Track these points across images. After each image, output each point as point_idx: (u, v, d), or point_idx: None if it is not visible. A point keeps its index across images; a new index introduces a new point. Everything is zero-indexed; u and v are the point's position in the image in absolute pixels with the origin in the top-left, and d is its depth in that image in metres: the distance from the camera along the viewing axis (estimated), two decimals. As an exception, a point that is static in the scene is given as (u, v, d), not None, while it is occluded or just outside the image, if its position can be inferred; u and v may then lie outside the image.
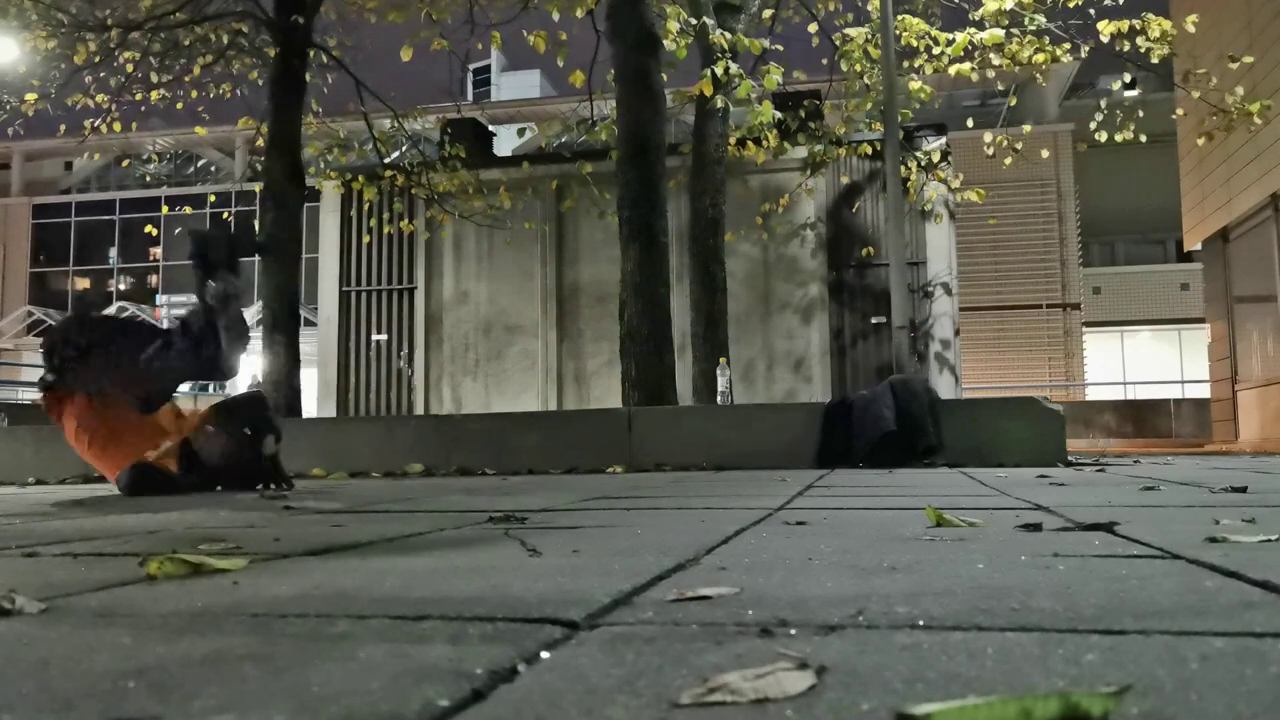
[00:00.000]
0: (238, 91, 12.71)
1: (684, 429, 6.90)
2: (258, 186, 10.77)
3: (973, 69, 10.78)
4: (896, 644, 0.98)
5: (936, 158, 12.14)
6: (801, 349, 12.73)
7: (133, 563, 1.76)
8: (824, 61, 12.38)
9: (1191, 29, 10.86)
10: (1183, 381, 25.07)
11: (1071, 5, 10.39)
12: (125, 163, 36.61)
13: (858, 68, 11.53)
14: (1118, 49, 10.43)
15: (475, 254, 13.64)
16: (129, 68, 11.73)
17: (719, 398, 8.82)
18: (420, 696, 0.80)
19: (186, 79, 12.14)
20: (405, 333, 13.82)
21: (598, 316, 12.90)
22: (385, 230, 13.28)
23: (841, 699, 0.78)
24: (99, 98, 11.95)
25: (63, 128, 12.55)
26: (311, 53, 10.70)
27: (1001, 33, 10.41)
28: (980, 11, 10.42)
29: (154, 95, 12.16)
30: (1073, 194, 26.18)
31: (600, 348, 12.80)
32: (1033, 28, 10.59)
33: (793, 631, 1.05)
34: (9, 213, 36.38)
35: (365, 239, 13.64)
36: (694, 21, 8.86)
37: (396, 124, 12.12)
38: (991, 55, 10.61)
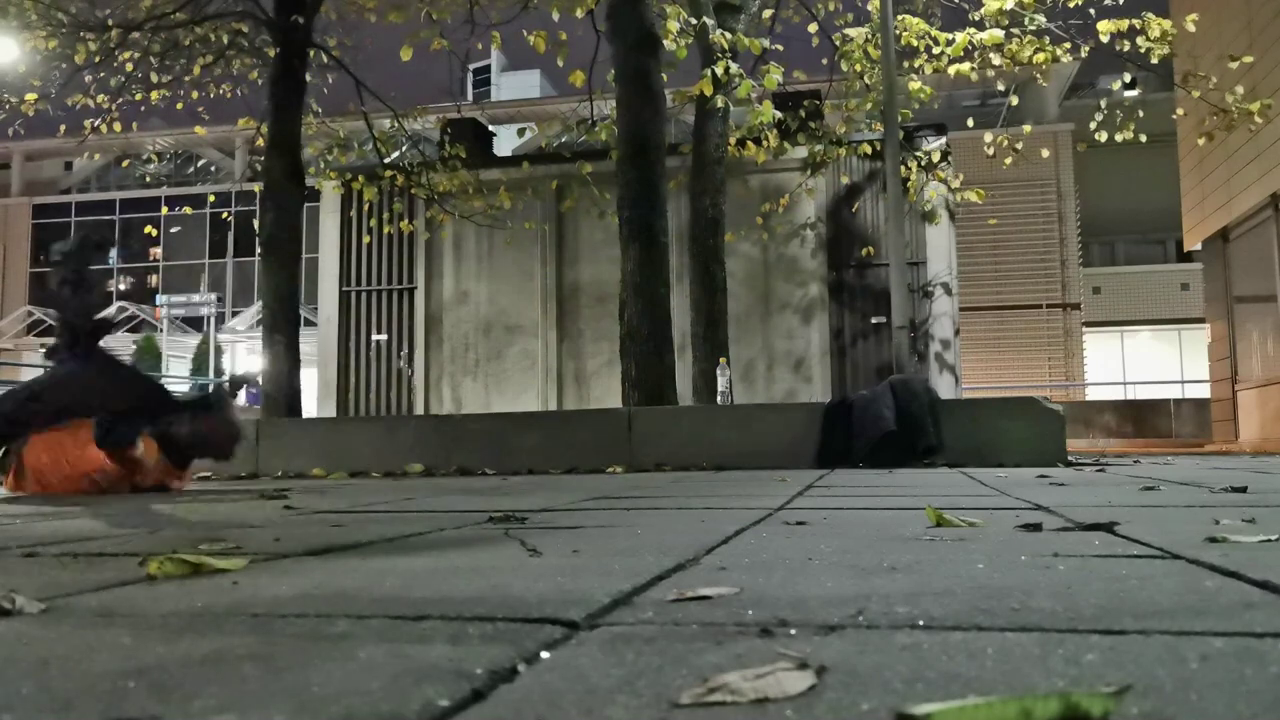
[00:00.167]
0: (238, 91, 12.71)
1: (684, 429, 6.89)
2: (258, 186, 10.76)
3: (973, 69, 10.78)
4: (896, 644, 0.98)
5: (936, 158, 12.13)
6: (801, 349, 12.73)
7: (133, 563, 1.76)
8: (824, 61, 12.39)
9: (1191, 29, 10.86)
10: (1183, 381, 25.08)
11: (1071, 5, 10.39)
12: (125, 163, 36.62)
13: (858, 68, 11.52)
14: (1118, 49, 10.43)
15: (475, 254, 13.64)
16: (129, 67, 11.73)
17: (719, 398, 8.82)
18: (420, 696, 0.80)
19: (186, 79, 12.13)
20: (405, 333, 13.82)
21: (598, 316, 12.90)
22: (385, 230, 13.27)
23: (841, 699, 0.78)
24: (99, 98, 11.95)
25: (63, 128, 12.55)
26: (311, 53, 10.69)
27: (1001, 33, 10.42)
28: (980, 11, 10.42)
29: (154, 95, 12.16)
30: (1073, 194, 26.19)
31: (600, 348, 12.80)
32: (1033, 28, 10.59)
33: (793, 631, 1.05)
34: (9, 213, 36.39)
35: (365, 239, 13.64)
36: (694, 21, 8.86)
37: (396, 124, 12.12)
38: (991, 55, 10.61)
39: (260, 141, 10.88)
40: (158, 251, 36.61)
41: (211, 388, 4.71)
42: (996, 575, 1.44)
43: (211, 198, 31.65)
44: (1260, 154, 13.26)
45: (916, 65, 11.30)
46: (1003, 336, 25.49)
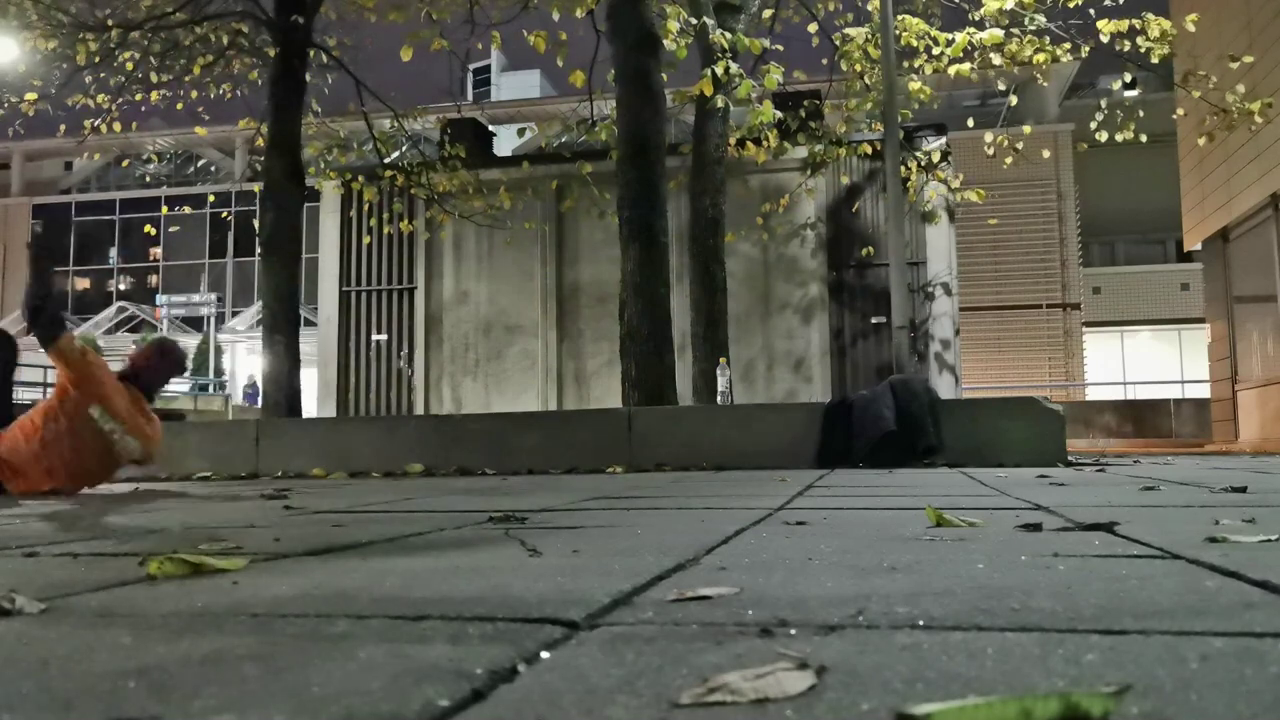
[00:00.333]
0: (238, 91, 12.71)
1: (684, 429, 6.89)
2: (258, 186, 10.76)
3: (972, 69, 10.78)
4: (896, 644, 0.98)
5: (936, 158, 12.14)
6: (801, 349, 12.73)
7: (133, 563, 1.76)
8: (824, 61, 12.40)
9: (1191, 29, 10.86)
10: (1183, 381, 25.08)
11: (1071, 5, 10.39)
12: (125, 163, 36.64)
13: (858, 68, 11.52)
14: (1118, 49, 10.43)
15: (475, 254, 13.65)
16: (129, 67, 11.73)
17: (719, 398, 8.82)
18: (420, 696, 0.80)
19: (186, 79, 12.13)
20: (405, 333, 13.82)
21: (598, 316, 12.90)
22: (385, 230, 13.28)
23: (841, 699, 0.78)
24: (99, 98, 11.95)
25: (63, 128, 12.55)
26: (311, 53, 10.70)
27: (1001, 33, 10.41)
28: (980, 11, 10.42)
29: (154, 95, 12.16)
30: (1073, 194, 26.19)
31: (600, 348, 12.80)
32: (1033, 28, 10.59)
33: (793, 631, 1.05)
34: (9, 213, 36.39)
35: (365, 239, 13.64)
36: (694, 21, 8.86)
37: (396, 124, 12.12)
38: (991, 55, 10.61)
39: (260, 141, 10.88)
40: (158, 251, 36.63)
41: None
42: (996, 575, 1.44)
43: (211, 198, 31.68)
44: (1260, 154, 13.26)
45: (916, 65, 11.30)
46: (1003, 336, 25.49)
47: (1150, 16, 10.43)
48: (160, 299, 32.27)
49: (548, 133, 12.98)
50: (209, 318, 30.71)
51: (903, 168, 10.99)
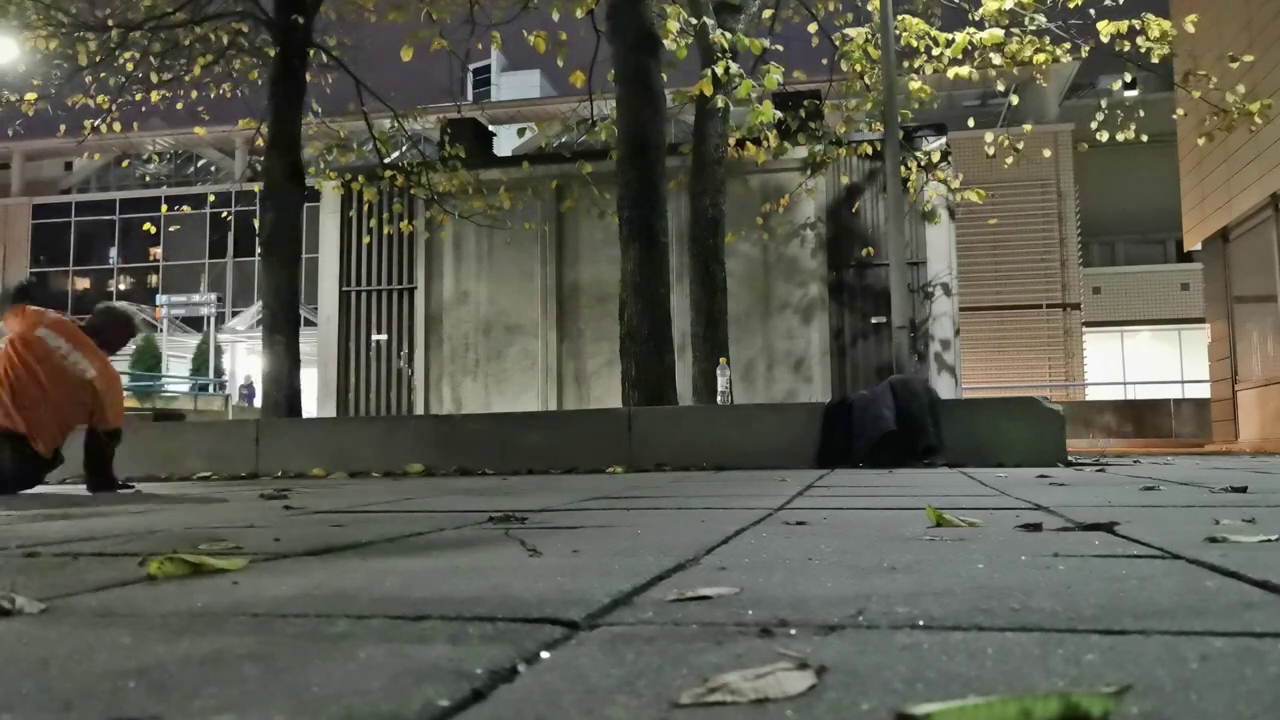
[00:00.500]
0: (238, 91, 12.71)
1: (684, 429, 6.90)
2: (258, 186, 10.77)
3: (972, 70, 10.78)
4: (896, 644, 0.98)
5: (936, 158, 12.13)
6: (801, 349, 12.73)
7: (133, 563, 1.76)
8: (824, 61, 12.39)
9: (1191, 29, 10.86)
10: (1183, 381, 25.08)
11: (1072, 5, 10.39)
12: (125, 163, 36.64)
13: (858, 68, 11.52)
14: (1117, 49, 10.43)
15: (475, 254, 13.64)
16: (129, 67, 11.73)
17: (719, 398, 8.82)
18: (420, 696, 0.80)
19: (186, 79, 12.13)
20: (405, 333, 13.82)
21: (598, 316, 12.90)
22: (385, 230, 13.27)
23: (841, 699, 0.78)
24: (99, 98, 11.95)
25: (63, 128, 12.54)
26: (311, 53, 10.70)
27: (1001, 33, 10.41)
28: (980, 11, 10.42)
29: (154, 95, 12.15)
30: (1073, 194, 26.19)
31: (600, 348, 12.80)
32: (1033, 28, 10.59)
33: (793, 631, 1.05)
34: (9, 213, 36.40)
35: (365, 239, 13.64)
36: (694, 21, 8.86)
37: (396, 124, 12.12)
38: (991, 55, 10.60)
39: (260, 141, 10.88)
40: (158, 251, 36.64)
41: None
42: (996, 575, 1.44)
43: (211, 198, 31.68)
44: (1260, 154, 13.26)
45: (916, 65, 11.30)
46: (1003, 336, 25.49)
47: (1150, 17, 10.43)
48: (160, 299, 32.26)
49: (548, 133, 12.98)
50: (209, 318, 30.71)
51: (903, 168, 10.99)
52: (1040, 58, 10.74)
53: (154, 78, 11.99)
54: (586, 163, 11.76)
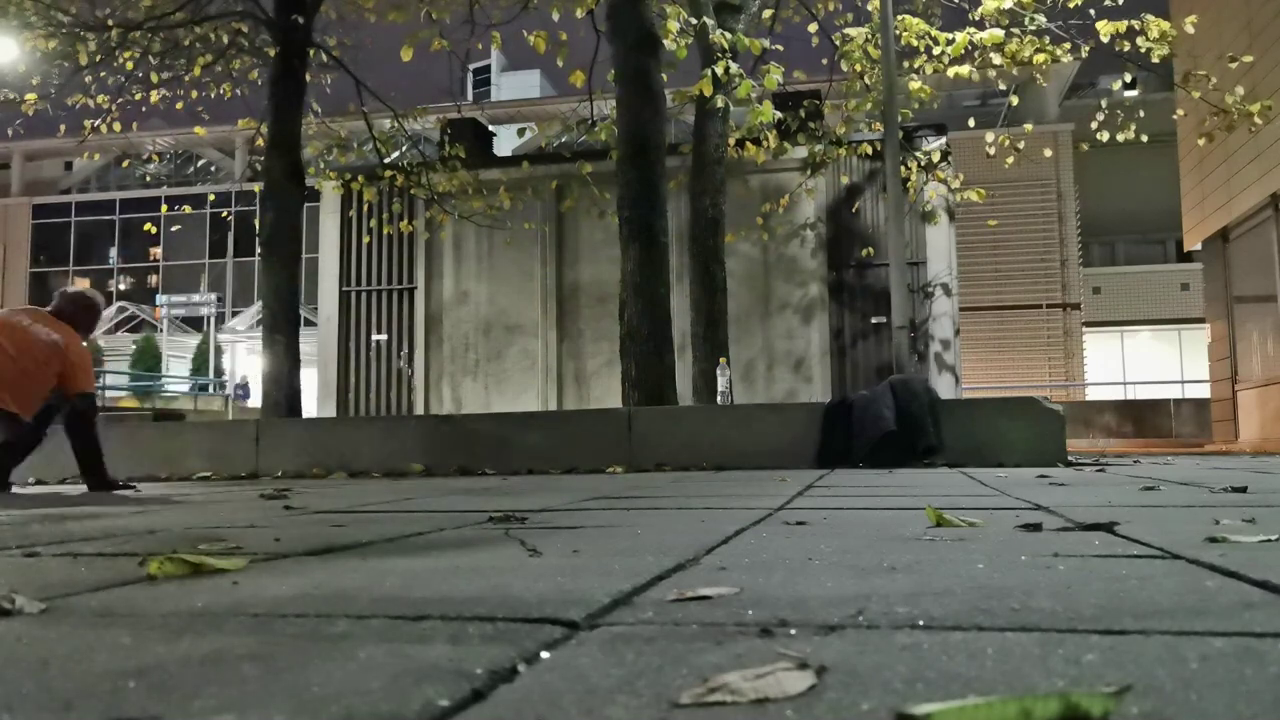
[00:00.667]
0: (238, 91, 12.70)
1: (684, 429, 6.89)
2: (258, 186, 10.76)
3: (972, 70, 10.78)
4: (896, 644, 0.98)
5: (936, 158, 12.13)
6: (801, 349, 12.73)
7: (133, 563, 1.76)
8: (824, 61, 12.39)
9: (1190, 30, 10.85)
10: (1183, 381, 25.07)
11: (1072, 5, 10.39)
12: (125, 163, 36.63)
13: (858, 68, 11.52)
14: (1117, 49, 10.42)
15: (475, 254, 13.64)
16: (129, 67, 11.72)
17: (719, 398, 8.81)
18: (420, 696, 0.80)
19: (186, 79, 12.13)
20: (405, 333, 13.82)
21: (598, 316, 12.90)
22: (385, 230, 13.27)
23: (841, 699, 0.78)
24: (99, 98, 11.94)
25: (63, 128, 12.54)
26: (311, 53, 10.69)
27: (1001, 32, 10.41)
28: (980, 11, 10.41)
29: (154, 95, 12.15)
30: (1073, 194, 26.18)
31: (600, 348, 12.80)
32: (1033, 28, 10.59)
33: (793, 631, 1.05)
34: (9, 213, 36.39)
35: (365, 239, 13.64)
36: (694, 21, 8.86)
37: (396, 124, 12.12)
38: (991, 55, 10.60)
39: (260, 141, 10.88)
40: (158, 251, 36.63)
41: None
42: (996, 575, 1.44)
43: (211, 197, 31.67)
44: (1260, 154, 13.26)
45: (916, 65, 11.30)
46: (1003, 336, 25.48)
47: (1150, 18, 10.42)
48: (160, 299, 32.25)
49: (548, 133, 12.98)
50: (209, 318, 30.70)
51: (903, 168, 10.98)
52: (1040, 58, 10.74)
53: (154, 78, 11.99)
54: (586, 163, 11.75)
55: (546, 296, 13.34)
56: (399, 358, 13.77)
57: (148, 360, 29.32)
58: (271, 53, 10.34)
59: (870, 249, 12.52)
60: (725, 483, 4.64)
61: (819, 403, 7.56)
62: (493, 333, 13.52)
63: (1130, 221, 27.96)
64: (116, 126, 12.15)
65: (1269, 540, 1.78)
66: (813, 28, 11.97)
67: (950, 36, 10.71)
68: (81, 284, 37.04)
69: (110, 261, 37.23)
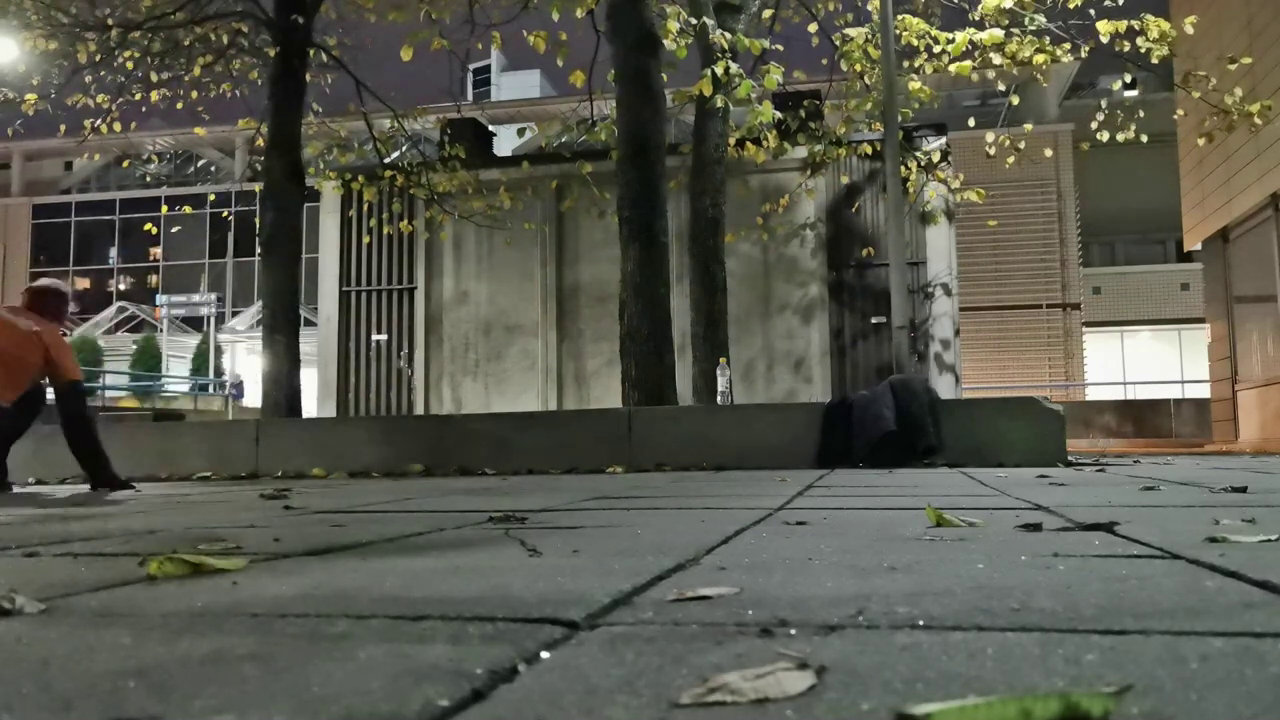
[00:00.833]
0: (238, 91, 12.71)
1: (684, 429, 6.89)
2: (258, 186, 10.76)
3: (973, 70, 10.77)
4: (896, 644, 0.98)
5: (936, 158, 12.13)
6: (801, 349, 12.73)
7: (133, 563, 1.76)
8: (824, 61, 12.38)
9: (1190, 30, 10.85)
10: (1183, 381, 25.06)
11: (1072, 5, 10.39)
12: (125, 163, 36.63)
13: (858, 68, 11.52)
14: (1117, 49, 10.42)
15: (475, 254, 13.64)
16: (129, 67, 11.73)
17: (719, 398, 8.81)
18: (420, 696, 0.80)
19: (186, 79, 12.13)
20: (405, 333, 13.82)
21: (598, 316, 12.90)
22: (385, 230, 13.27)
23: (841, 699, 0.78)
24: (99, 98, 11.95)
25: (63, 128, 12.55)
26: (311, 53, 10.70)
27: (1001, 32, 10.41)
28: (980, 11, 10.41)
29: (154, 95, 12.15)
30: (1073, 194, 26.18)
31: (600, 348, 12.80)
32: (1033, 28, 10.59)
33: (793, 631, 1.05)
34: (9, 213, 36.39)
35: (365, 239, 13.64)
36: (694, 21, 8.86)
37: (396, 124, 12.12)
38: (991, 55, 10.60)
39: (260, 141, 10.88)
40: (158, 251, 36.63)
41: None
42: (996, 575, 1.44)
43: (211, 198, 31.67)
44: (1260, 154, 13.26)
45: (916, 65, 11.30)
46: (1003, 336, 25.48)
47: (1150, 18, 10.42)
48: (160, 299, 32.25)
49: (548, 133, 12.97)
50: (209, 318, 30.70)
51: (903, 168, 10.98)
52: (1040, 58, 10.74)
53: (154, 77, 11.99)
54: (586, 163, 11.75)
55: (546, 296, 13.34)
56: (399, 358, 13.77)
57: (148, 360, 29.31)
58: (271, 53, 10.34)
59: (870, 249, 12.52)
60: (725, 483, 4.64)
61: (819, 403, 7.56)
62: (493, 333, 13.52)
63: (1130, 221, 27.95)
64: (116, 126, 12.15)
65: (1269, 540, 1.78)
66: (813, 28, 11.97)
67: (950, 36, 10.71)
68: (82, 284, 37.10)
69: (110, 261, 37.22)
